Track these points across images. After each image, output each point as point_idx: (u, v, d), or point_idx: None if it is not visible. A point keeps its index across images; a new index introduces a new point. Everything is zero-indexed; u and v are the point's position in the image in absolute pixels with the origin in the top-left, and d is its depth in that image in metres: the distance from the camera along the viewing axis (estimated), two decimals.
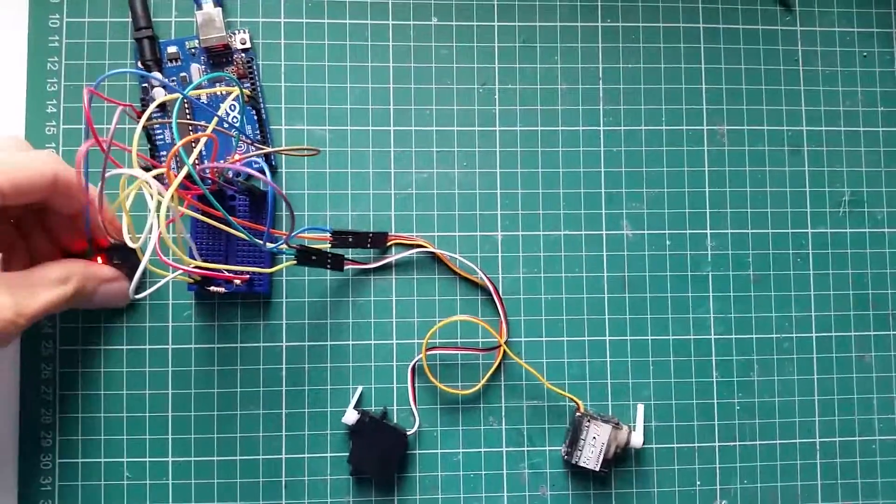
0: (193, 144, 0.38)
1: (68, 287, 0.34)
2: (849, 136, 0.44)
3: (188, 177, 0.30)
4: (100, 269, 0.37)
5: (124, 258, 0.38)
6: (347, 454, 0.39)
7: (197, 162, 0.39)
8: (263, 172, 0.31)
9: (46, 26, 0.41)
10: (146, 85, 0.40)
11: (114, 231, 0.36)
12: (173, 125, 0.30)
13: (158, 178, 0.31)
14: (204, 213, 0.35)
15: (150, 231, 0.31)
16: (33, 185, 0.32)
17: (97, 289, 0.36)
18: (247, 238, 0.33)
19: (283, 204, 0.40)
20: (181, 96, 0.30)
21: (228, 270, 0.38)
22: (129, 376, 0.40)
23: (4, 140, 0.34)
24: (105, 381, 0.39)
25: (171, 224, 0.32)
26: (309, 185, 0.41)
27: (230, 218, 0.31)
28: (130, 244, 0.32)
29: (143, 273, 0.39)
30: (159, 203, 0.30)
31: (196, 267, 0.34)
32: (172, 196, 0.30)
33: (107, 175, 0.30)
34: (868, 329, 0.43)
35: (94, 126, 0.30)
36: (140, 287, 0.38)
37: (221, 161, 0.39)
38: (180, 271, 0.35)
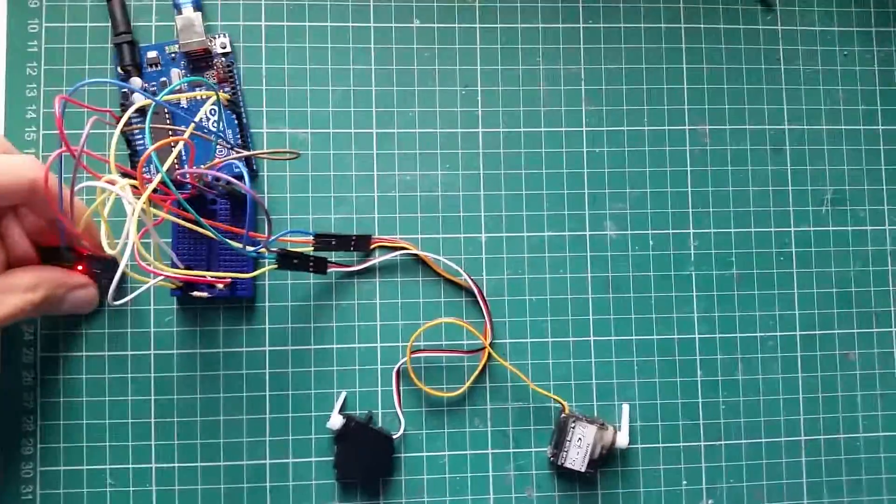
0: (172, 146, 0.38)
1: (36, 294, 0.34)
2: (830, 134, 0.44)
3: (165, 182, 0.30)
4: (69, 276, 0.37)
5: (103, 268, 0.38)
6: (332, 458, 0.39)
7: (177, 166, 0.39)
8: (242, 177, 0.31)
9: (25, 31, 0.40)
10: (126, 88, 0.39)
11: (88, 242, 0.36)
12: (146, 131, 0.30)
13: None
14: (184, 219, 0.35)
15: (127, 237, 0.31)
16: (9, 190, 0.32)
17: (66, 295, 0.36)
18: (222, 241, 0.33)
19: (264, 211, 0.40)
20: (154, 102, 0.30)
21: (210, 276, 0.37)
22: (111, 382, 0.39)
23: None
24: (87, 387, 0.39)
25: (146, 232, 0.32)
26: (291, 188, 0.41)
27: (202, 221, 0.31)
28: (108, 251, 0.31)
29: (123, 278, 0.38)
30: (135, 210, 0.30)
31: (175, 272, 0.34)
32: (147, 203, 0.30)
33: (76, 187, 0.30)
34: (851, 327, 0.43)
35: (74, 131, 0.29)
36: (121, 293, 0.38)
37: (201, 166, 0.39)
38: (161, 277, 0.35)
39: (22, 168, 0.33)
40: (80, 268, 0.37)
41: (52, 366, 0.39)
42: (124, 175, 0.34)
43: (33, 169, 0.33)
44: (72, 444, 0.39)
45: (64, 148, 0.30)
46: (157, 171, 0.30)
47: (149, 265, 0.31)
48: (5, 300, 0.33)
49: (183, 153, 0.40)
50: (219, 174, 0.31)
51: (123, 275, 0.32)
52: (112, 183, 0.31)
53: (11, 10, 0.40)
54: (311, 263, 0.38)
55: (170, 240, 0.39)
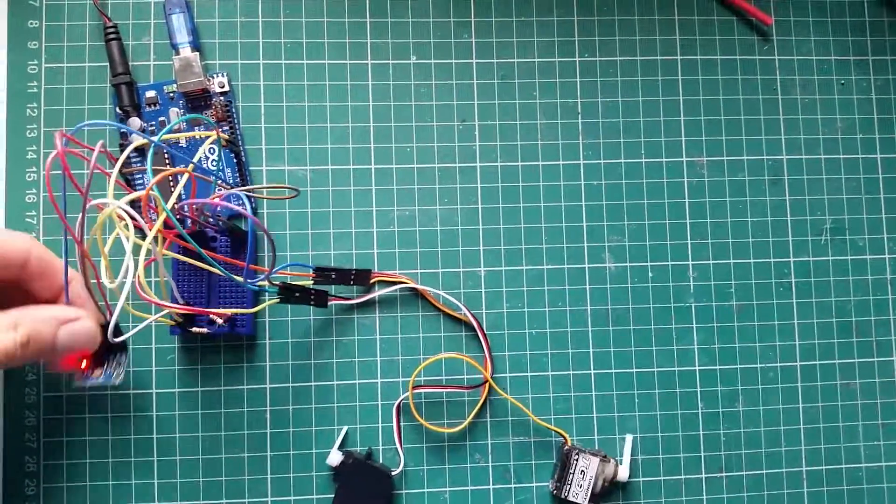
0: (171, 184, 0.38)
1: (18, 333, 0.31)
2: (829, 163, 0.44)
3: (169, 217, 0.30)
4: (55, 308, 0.33)
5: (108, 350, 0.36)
6: (333, 496, 0.39)
7: (177, 202, 0.39)
8: (243, 206, 0.31)
9: (25, 72, 0.41)
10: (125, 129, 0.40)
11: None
12: (148, 170, 0.30)
13: (135, 208, 0.30)
14: (185, 252, 0.35)
15: (126, 274, 0.30)
16: (4, 260, 0.33)
17: (56, 332, 0.32)
18: (224, 274, 0.33)
19: (265, 244, 0.41)
20: (153, 143, 0.30)
21: (216, 312, 0.37)
22: (114, 421, 0.39)
23: None
24: (89, 426, 0.39)
25: (151, 265, 0.32)
26: (291, 225, 0.41)
27: (205, 253, 0.31)
28: (108, 284, 0.31)
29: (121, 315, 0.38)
30: (135, 245, 0.30)
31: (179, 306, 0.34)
32: (154, 238, 0.30)
33: (87, 206, 0.29)
34: (852, 356, 0.43)
35: (75, 172, 0.29)
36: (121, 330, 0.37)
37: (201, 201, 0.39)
38: (164, 311, 0.35)
39: (17, 242, 0.33)
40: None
41: (55, 405, 0.39)
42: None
43: (28, 243, 0.33)
44: (75, 484, 0.39)
45: (65, 226, 0.30)
46: (160, 209, 0.30)
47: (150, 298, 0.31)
48: None
49: (182, 192, 0.40)
50: (223, 204, 0.32)
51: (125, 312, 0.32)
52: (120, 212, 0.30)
53: (11, 50, 0.41)
54: (313, 297, 0.38)
55: (169, 277, 0.39)
